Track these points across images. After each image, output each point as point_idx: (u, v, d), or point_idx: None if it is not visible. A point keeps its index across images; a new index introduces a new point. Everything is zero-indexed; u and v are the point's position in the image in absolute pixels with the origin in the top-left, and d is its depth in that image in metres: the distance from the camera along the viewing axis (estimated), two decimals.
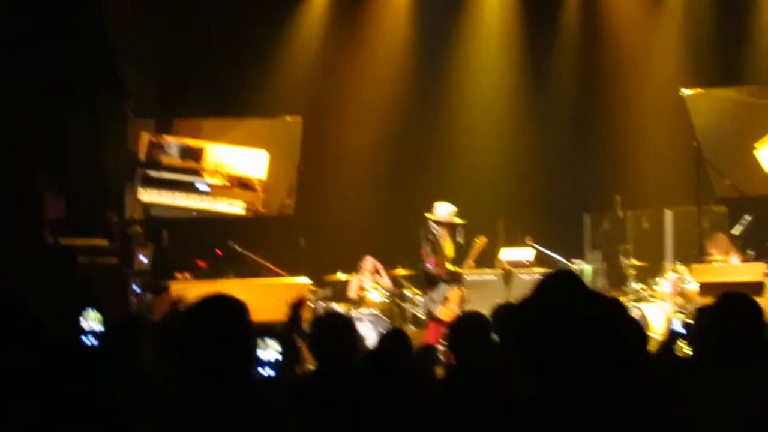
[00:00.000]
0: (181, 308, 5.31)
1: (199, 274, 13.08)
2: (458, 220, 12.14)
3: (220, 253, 13.82)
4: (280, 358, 4.57)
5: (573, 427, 3.05)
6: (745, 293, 4.58)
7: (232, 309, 3.54)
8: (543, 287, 3.12)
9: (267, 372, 4.48)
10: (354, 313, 13.06)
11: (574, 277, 3.24)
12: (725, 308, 4.45)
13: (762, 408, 4.11)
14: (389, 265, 14.32)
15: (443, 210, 12.10)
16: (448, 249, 12.04)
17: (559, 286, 3.08)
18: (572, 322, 2.94)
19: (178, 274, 12.74)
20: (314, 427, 4.26)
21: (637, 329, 4.51)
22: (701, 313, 5.38)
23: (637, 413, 3.16)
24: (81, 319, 5.52)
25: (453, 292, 11.85)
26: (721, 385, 4.23)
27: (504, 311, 6.63)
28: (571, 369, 3.01)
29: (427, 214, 12.12)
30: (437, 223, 12.02)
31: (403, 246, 14.08)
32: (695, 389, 4.24)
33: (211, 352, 3.43)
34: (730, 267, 12.05)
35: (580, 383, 3.01)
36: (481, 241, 12.42)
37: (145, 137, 15.11)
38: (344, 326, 5.47)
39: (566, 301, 2.98)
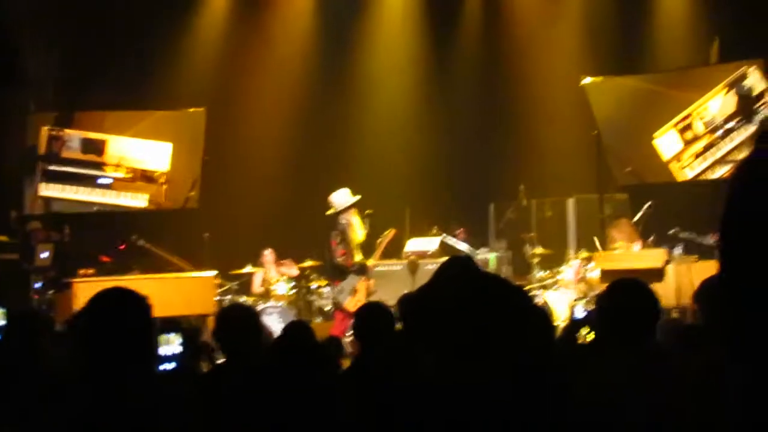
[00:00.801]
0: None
1: (103, 270, 12.87)
2: (355, 197, 12.08)
3: (123, 248, 13.63)
4: (181, 350, 4.53)
5: (478, 412, 3.06)
6: (637, 278, 4.72)
7: (132, 301, 3.50)
8: (440, 273, 3.14)
9: (169, 366, 4.45)
10: (260, 306, 13.03)
11: (470, 262, 3.26)
12: (616, 294, 4.59)
13: (650, 389, 4.21)
14: (297, 258, 14.30)
15: (339, 198, 12.05)
16: (355, 236, 12.01)
17: (456, 271, 3.10)
18: (469, 305, 2.96)
19: (80, 271, 12.52)
20: (220, 419, 4.23)
21: (540, 315, 4.57)
22: (598, 299, 5.49)
23: (541, 398, 3.19)
24: None
25: (361, 284, 11.84)
26: (613, 367, 4.34)
27: (408, 300, 6.66)
28: (474, 354, 3.02)
29: (329, 212, 12.08)
30: (340, 212, 11.98)
31: (309, 237, 14.06)
32: (591, 372, 4.33)
33: (112, 346, 3.39)
34: (631, 254, 12.23)
35: (482, 368, 3.03)
36: (390, 233, 12.44)
37: (45, 130, 14.81)
38: (248, 318, 5.45)
39: (462, 285, 3.00)
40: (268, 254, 14.23)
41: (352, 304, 11.60)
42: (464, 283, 2.98)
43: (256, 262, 14.20)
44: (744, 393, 3.25)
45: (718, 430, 3.94)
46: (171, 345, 4.50)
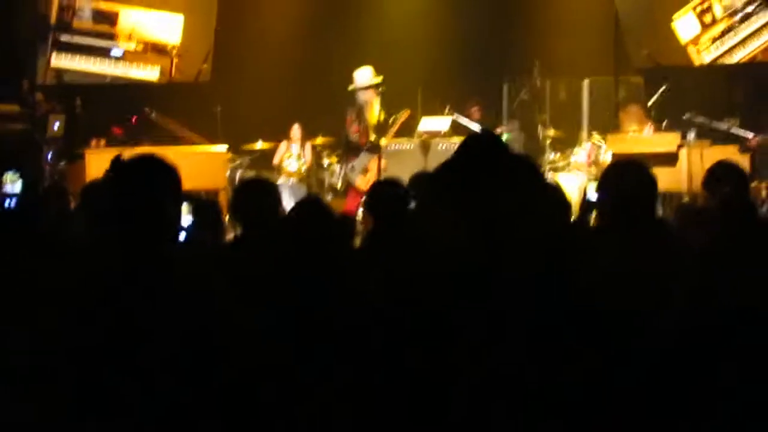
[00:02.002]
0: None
1: (114, 142, 12.88)
2: (377, 79, 12.01)
3: (135, 120, 13.61)
4: (191, 221, 4.58)
5: (496, 286, 3.09)
6: (635, 160, 4.75)
7: (166, 169, 3.50)
8: (467, 146, 3.12)
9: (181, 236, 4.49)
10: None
11: (497, 138, 3.25)
12: (612, 176, 4.65)
13: (651, 267, 4.26)
14: (309, 134, 14.27)
15: (362, 75, 11.97)
16: (373, 116, 11.95)
17: (483, 145, 3.09)
18: (496, 181, 2.96)
19: (92, 141, 12.53)
20: (240, 291, 4.27)
21: (558, 193, 4.60)
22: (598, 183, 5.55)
23: (554, 279, 3.21)
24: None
25: (373, 162, 11.78)
26: (614, 247, 4.40)
27: (421, 178, 6.67)
28: (495, 227, 3.03)
29: (350, 87, 12.00)
30: (360, 90, 11.90)
31: (322, 113, 14.01)
32: (596, 254, 4.39)
33: (144, 213, 3.40)
34: (644, 137, 12.18)
35: (503, 244, 3.04)
36: (404, 114, 12.34)
37: (55, 0, 14.67)
38: (269, 191, 5.46)
39: (490, 160, 2.99)
40: (296, 129, 14.17)
41: (363, 182, 11.62)
42: (486, 159, 2.97)
43: (270, 136, 14.17)
44: None
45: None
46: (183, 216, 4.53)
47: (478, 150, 3.08)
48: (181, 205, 3.69)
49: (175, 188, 3.53)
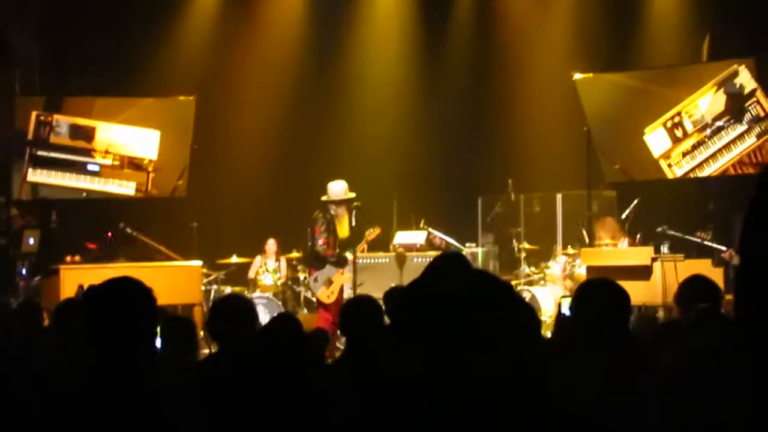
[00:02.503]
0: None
1: (89, 257, 12.84)
2: (351, 194, 12.02)
3: (110, 236, 13.59)
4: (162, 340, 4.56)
5: (464, 407, 3.07)
6: (608, 278, 4.79)
7: (139, 292, 3.50)
8: (433, 267, 3.14)
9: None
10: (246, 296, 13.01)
11: (463, 258, 3.26)
12: (586, 293, 4.68)
13: (621, 384, 4.26)
14: (284, 249, 14.30)
15: (336, 188, 11.95)
16: (343, 230, 11.92)
17: (449, 266, 3.10)
18: (462, 301, 2.96)
19: (67, 257, 12.49)
20: (215, 408, 4.23)
21: (529, 311, 4.59)
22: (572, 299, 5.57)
23: (529, 393, 3.19)
24: None
25: (338, 276, 11.71)
26: (586, 363, 4.40)
27: (396, 293, 6.67)
28: (462, 348, 3.02)
29: (323, 197, 12.00)
30: (333, 202, 11.90)
31: (296, 228, 14.04)
32: (568, 369, 4.38)
33: (116, 335, 3.39)
34: (618, 251, 12.24)
35: (472, 363, 3.03)
36: (375, 231, 12.31)
37: (34, 115, 14.77)
38: (245, 308, 5.44)
39: (456, 281, 2.99)
40: (271, 244, 14.21)
41: (325, 295, 11.53)
42: (456, 278, 2.97)
43: (245, 251, 14.19)
44: (754, 382, 3.27)
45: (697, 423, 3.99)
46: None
47: (444, 271, 3.09)
48: (155, 327, 3.69)
49: (149, 311, 3.53)
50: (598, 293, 4.64)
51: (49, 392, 3.68)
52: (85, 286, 5.97)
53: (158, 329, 4.49)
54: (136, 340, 3.48)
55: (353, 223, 11.97)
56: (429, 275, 3.16)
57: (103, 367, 3.41)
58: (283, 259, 14.30)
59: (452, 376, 3.02)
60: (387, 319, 6.06)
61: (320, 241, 11.67)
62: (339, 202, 11.83)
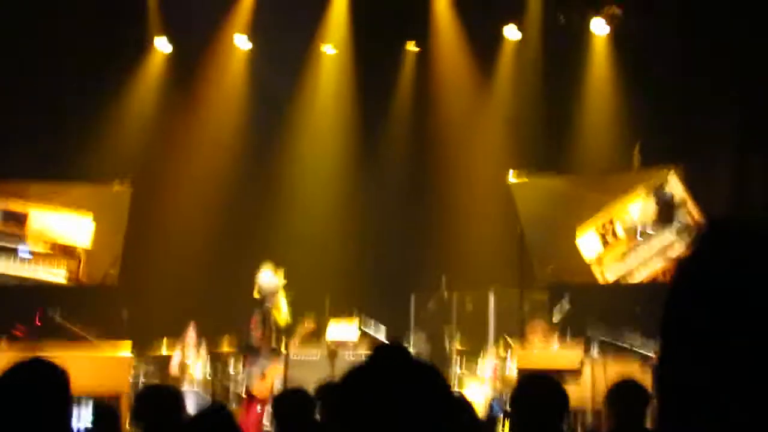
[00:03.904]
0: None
1: (16, 343, 12.60)
2: (280, 279, 12.01)
3: (38, 323, 13.38)
4: (92, 426, 4.48)
5: None
6: (548, 375, 4.83)
7: (51, 373, 3.45)
8: (371, 362, 3.13)
9: None
10: None
11: (405, 350, 3.27)
12: (524, 389, 4.72)
13: None
14: (215, 340, 14.16)
15: (265, 279, 11.98)
16: (280, 318, 11.91)
17: (389, 359, 3.10)
18: (399, 397, 2.96)
19: None
20: None
21: (469, 410, 4.62)
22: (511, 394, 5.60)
23: None
24: None
25: (272, 369, 11.66)
26: None
27: (328, 389, 6.64)
28: None
29: (255, 295, 11.98)
30: (265, 296, 11.88)
31: (229, 317, 13.94)
32: None
33: (29, 419, 3.33)
34: (548, 354, 12.33)
35: None
36: (309, 325, 12.33)
37: None
38: (172, 398, 5.39)
39: (393, 375, 2.99)
40: (191, 331, 14.07)
41: (259, 388, 11.47)
42: (396, 372, 2.97)
43: (177, 341, 14.03)
44: None
45: None
46: (82, 420, 4.43)
47: (385, 361, 3.10)
48: (68, 410, 3.62)
49: (61, 393, 3.47)
50: (538, 388, 4.65)
51: None
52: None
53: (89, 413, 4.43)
54: (47, 423, 3.41)
55: (286, 311, 11.96)
56: (369, 369, 3.16)
57: None
58: (203, 347, 14.13)
59: None
60: (318, 416, 6.03)
61: (256, 335, 11.63)
62: (272, 292, 11.86)
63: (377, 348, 3.30)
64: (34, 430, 3.34)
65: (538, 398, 4.61)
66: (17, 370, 3.45)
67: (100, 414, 5.51)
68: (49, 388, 3.42)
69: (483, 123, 16.43)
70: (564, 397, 4.68)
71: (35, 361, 3.52)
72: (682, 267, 1.80)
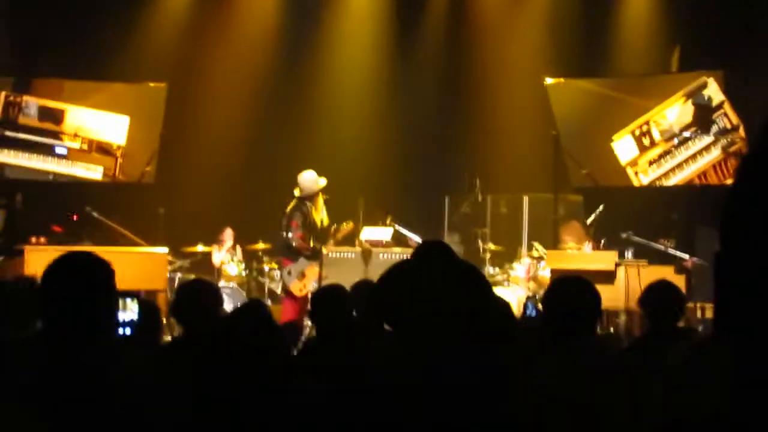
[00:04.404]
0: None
1: (54, 239, 12.77)
2: (322, 182, 12.12)
3: (75, 218, 13.53)
4: (137, 317, 4.54)
5: (437, 398, 3.10)
6: (580, 276, 4.83)
7: (98, 265, 3.50)
8: (419, 254, 3.16)
9: (125, 331, 4.45)
10: None
11: (448, 248, 3.29)
12: (558, 290, 4.72)
13: (584, 385, 4.30)
14: (250, 239, 14.30)
15: (307, 180, 12.07)
16: (319, 219, 12.03)
17: (435, 253, 3.13)
18: (448, 290, 2.99)
19: (32, 238, 12.42)
20: (179, 394, 4.24)
21: (506, 306, 4.66)
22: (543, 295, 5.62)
23: (495, 389, 3.23)
24: None
25: (310, 269, 11.82)
26: (554, 362, 4.44)
27: (364, 286, 6.71)
28: (442, 339, 3.06)
29: (296, 193, 12.07)
30: (306, 197, 11.98)
31: (264, 218, 14.05)
32: (536, 367, 4.43)
33: (77, 308, 3.38)
34: (583, 254, 12.35)
35: (449, 354, 3.06)
36: (348, 227, 12.44)
37: (2, 95, 14.68)
38: (211, 293, 5.45)
39: (443, 269, 3.02)
40: (228, 234, 14.25)
41: (297, 287, 11.62)
42: (441, 268, 3.00)
43: (211, 240, 14.20)
44: (733, 369, 3.31)
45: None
46: (128, 311, 4.49)
47: (430, 255, 3.12)
48: (114, 301, 3.67)
49: (107, 284, 3.52)
50: (571, 289, 4.67)
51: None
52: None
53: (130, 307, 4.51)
54: (96, 314, 3.46)
55: (323, 215, 12.07)
56: (415, 261, 3.18)
57: (57, 340, 3.39)
58: (239, 249, 14.32)
59: (427, 363, 3.06)
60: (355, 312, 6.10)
61: (296, 235, 11.75)
62: (313, 193, 11.95)
63: (421, 244, 3.34)
64: (83, 320, 3.39)
65: (570, 298, 4.62)
66: (65, 261, 3.49)
67: (144, 308, 5.57)
68: (97, 279, 3.47)
69: (519, 25, 16.22)
70: (596, 297, 4.69)
71: (82, 254, 3.56)
72: (744, 163, 1.80)
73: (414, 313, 3.05)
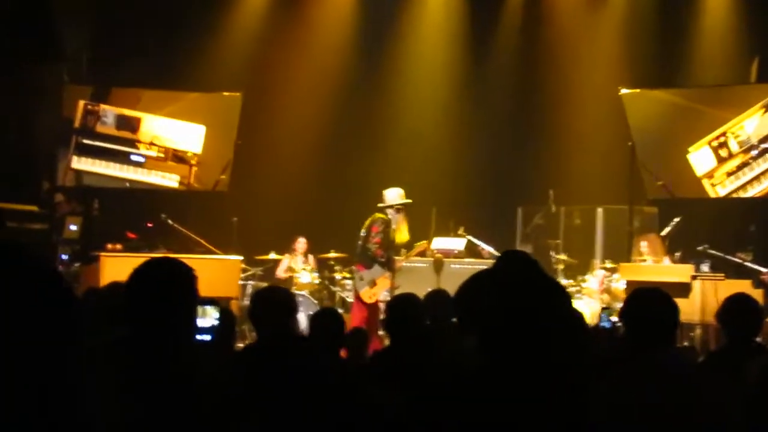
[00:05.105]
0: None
1: (130, 246, 12.93)
2: (407, 200, 12.12)
3: (151, 226, 13.69)
4: (217, 323, 4.57)
5: (512, 408, 3.08)
6: (657, 287, 4.76)
7: (181, 271, 3.53)
8: (503, 263, 3.14)
9: (205, 337, 4.48)
10: None
11: (532, 259, 3.27)
12: (637, 301, 4.66)
13: (666, 395, 4.24)
14: (322, 248, 14.35)
15: (393, 194, 12.10)
16: (401, 235, 12.03)
17: (519, 264, 3.11)
18: (530, 300, 2.97)
19: (108, 245, 12.58)
20: (250, 397, 4.26)
21: (581, 319, 4.62)
22: (622, 307, 5.55)
23: (570, 402, 3.20)
24: None
25: (382, 279, 11.79)
26: (632, 373, 4.38)
27: (438, 296, 6.69)
28: (520, 347, 3.04)
29: (380, 204, 12.08)
30: (390, 207, 12.00)
31: (336, 227, 14.10)
32: (612, 378, 4.38)
33: (158, 313, 3.42)
34: (658, 267, 12.22)
35: (527, 362, 3.04)
36: (423, 245, 12.43)
37: (82, 104, 14.92)
38: (287, 300, 5.47)
39: (527, 279, 3.00)
40: (302, 243, 14.32)
41: (367, 295, 11.62)
42: (525, 281, 2.98)
43: (283, 249, 14.28)
44: None
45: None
46: (207, 318, 4.52)
47: (516, 265, 3.10)
48: (195, 307, 3.70)
49: (190, 290, 3.56)
50: (650, 300, 4.61)
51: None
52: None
53: (208, 313, 4.54)
54: (178, 318, 3.50)
55: (405, 232, 12.07)
56: (500, 271, 3.17)
57: (141, 343, 3.43)
58: (311, 258, 14.38)
59: (506, 375, 3.04)
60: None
61: (374, 240, 11.75)
62: (397, 208, 11.96)
63: (505, 253, 3.32)
64: (165, 324, 3.43)
65: (650, 310, 4.56)
66: (150, 267, 3.53)
67: (223, 315, 5.58)
68: (180, 285, 3.50)
69: (595, 35, 16.11)
70: (675, 309, 4.63)
71: (166, 259, 3.60)
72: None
73: (497, 323, 3.03)
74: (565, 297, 3.22)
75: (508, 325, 2.99)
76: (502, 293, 2.97)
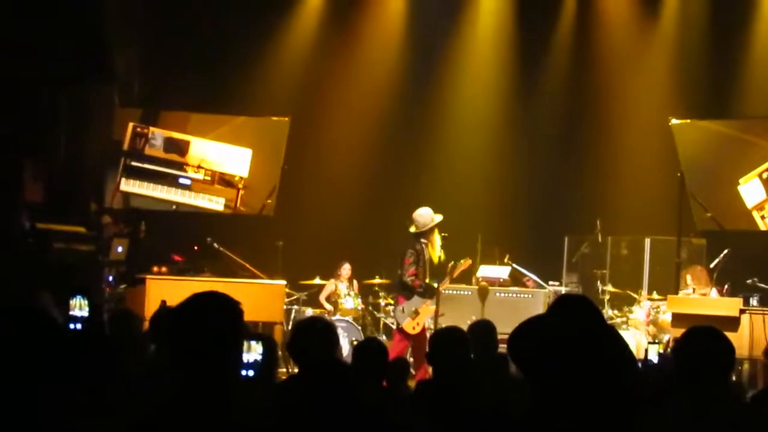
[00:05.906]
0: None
1: (176, 269, 12.95)
2: (437, 218, 11.87)
3: (197, 249, 13.73)
4: (260, 359, 4.53)
5: None
6: (712, 326, 4.66)
7: (228, 307, 3.50)
8: (561, 306, 3.10)
9: (249, 373, 4.43)
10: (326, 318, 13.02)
11: (591, 303, 3.24)
12: (692, 339, 4.56)
13: (722, 426, 4.17)
14: (367, 274, 14.32)
15: (422, 217, 11.80)
16: (434, 256, 11.75)
17: (579, 308, 3.07)
18: (587, 344, 2.93)
19: (154, 268, 12.62)
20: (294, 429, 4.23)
21: (630, 354, 4.55)
22: (675, 344, 5.45)
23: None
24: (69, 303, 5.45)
25: (424, 308, 11.58)
26: (685, 411, 4.31)
27: (481, 326, 6.63)
28: (572, 388, 3.00)
29: (411, 229, 11.82)
30: (421, 233, 11.73)
31: (381, 254, 14.06)
32: (664, 416, 4.31)
33: (204, 349, 3.39)
34: (705, 300, 12.05)
35: (577, 403, 3.00)
36: (465, 263, 12.13)
37: (131, 127, 15.05)
38: (328, 331, 5.44)
39: (584, 323, 2.96)
40: (347, 268, 14.30)
41: (410, 326, 11.43)
42: (582, 325, 2.95)
43: (328, 274, 14.28)
44: None
45: None
46: (252, 352, 4.47)
47: (574, 312, 3.06)
48: (242, 343, 3.68)
49: (237, 327, 3.53)
50: (706, 339, 4.51)
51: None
52: (168, 303, 6.01)
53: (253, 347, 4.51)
54: (224, 354, 3.48)
55: (439, 251, 11.81)
56: (557, 314, 3.13)
57: (181, 378, 3.41)
58: (355, 283, 14.36)
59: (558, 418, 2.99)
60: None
61: (408, 273, 11.56)
62: (428, 230, 11.69)
63: (563, 297, 3.28)
64: (211, 359, 3.40)
65: (704, 351, 4.47)
66: (196, 301, 3.51)
67: (266, 349, 5.55)
68: (226, 321, 3.48)
69: (645, 64, 16.02)
70: (731, 351, 4.54)
71: (212, 293, 3.58)
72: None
73: (552, 367, 2.99)
74: (622, 343, 3.18)
75: (566, 382, 2.95)
76: (563, 354, 2.93)
